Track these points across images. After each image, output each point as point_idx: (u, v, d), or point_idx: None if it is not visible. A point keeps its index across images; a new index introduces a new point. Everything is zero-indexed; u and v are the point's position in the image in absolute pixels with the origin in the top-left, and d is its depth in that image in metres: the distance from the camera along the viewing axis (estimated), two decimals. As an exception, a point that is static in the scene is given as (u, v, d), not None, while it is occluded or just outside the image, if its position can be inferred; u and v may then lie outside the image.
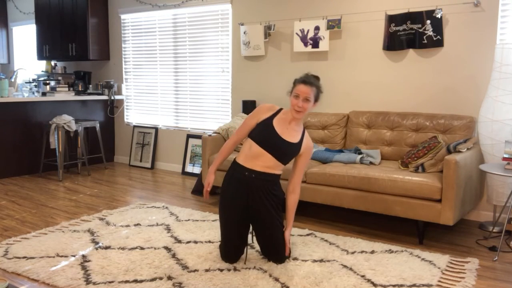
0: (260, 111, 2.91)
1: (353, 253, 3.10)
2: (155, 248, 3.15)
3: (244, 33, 5.14)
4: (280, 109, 2.92)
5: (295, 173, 2.95)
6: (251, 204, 2.83)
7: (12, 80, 6.51)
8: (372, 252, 3.12)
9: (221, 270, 2.78)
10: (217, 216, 3.89)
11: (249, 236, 3.07)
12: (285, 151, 2.83)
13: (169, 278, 2.68)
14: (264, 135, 2.82)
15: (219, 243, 3.03)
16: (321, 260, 2.96)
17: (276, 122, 2.85)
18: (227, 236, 2.90)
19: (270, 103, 2.99)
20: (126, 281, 2.64)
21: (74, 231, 3.51)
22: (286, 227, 2.96)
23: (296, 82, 2.84)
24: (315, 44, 4.65)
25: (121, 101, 6.58)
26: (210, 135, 4.43)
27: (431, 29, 4.04)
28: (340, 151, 4.11)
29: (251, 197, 2.82)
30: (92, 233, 3.47)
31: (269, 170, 2.83)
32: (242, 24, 5.17)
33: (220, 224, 2.94)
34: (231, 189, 2.87)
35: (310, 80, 2.81)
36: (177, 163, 6.03)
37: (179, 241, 3.29)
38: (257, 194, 2.82)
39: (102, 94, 6.39)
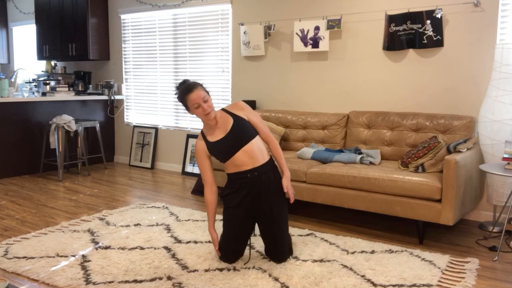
0: (199, 149, 2.91)
1: (353, 253, 3.10)
2: (155, 248, 3.15)
3: (244, 33, 5.14)
4: (201, 131, 2.96)
5: (259, 130, 2.95)
6: (257, 203, 2.85)
7: (12, 80, 6.51)
8: (372, 252, 3.12)
9: (221, 270, 2.78)
10: (217, 216, 3.89)
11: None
12: (242, 132, 2.85)
13: (169, 278, 2.68)
14: (221, 151, 2.86)
15: (218, 243, 3.02)
16: (321, 260, 2.96)
17: (210, 138, 2.88)
18: (229, 239, 2.90)
19: (257, 111, 3.02)
20: (126, 281, 2.64)
21: (74, 231, 3.51)
22: (283, 176, 2.96)
23: (183, 98, 2.80)
24: (315, 44, 4.65)
25: (121, 101, 6.58)
26: (210, 135, 4.43)
27: (431, 29, 4.04)
28: (340, 151, 4.11)
29: (257, 196, 2.84)
30: (92, 233, 3.47)
31: (262, 160, 2.85)
32: (242, 24, 5.17)
33: (224, 226, 2.92)
34: (235, 193, 2.87)
35: (189, 87, 2.79)
36: (177, 163, 6.03)
37: (179, 241, 3.30)
38: (263, 190, 2.84)
39: (102, 94, 6.39)
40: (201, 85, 2.84)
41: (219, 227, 3.11)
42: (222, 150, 2.86)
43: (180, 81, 2.94)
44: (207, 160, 2.92)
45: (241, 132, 2.85)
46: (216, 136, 2.86)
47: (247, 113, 2.93)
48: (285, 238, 2.92)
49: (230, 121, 2.87)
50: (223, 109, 2.95)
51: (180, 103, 2.88)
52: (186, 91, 2.78)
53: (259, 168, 2.83)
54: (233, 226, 2.88)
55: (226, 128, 2.85)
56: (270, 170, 2.89)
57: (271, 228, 2.88)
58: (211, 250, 3.11)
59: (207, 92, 2.83)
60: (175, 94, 2.88)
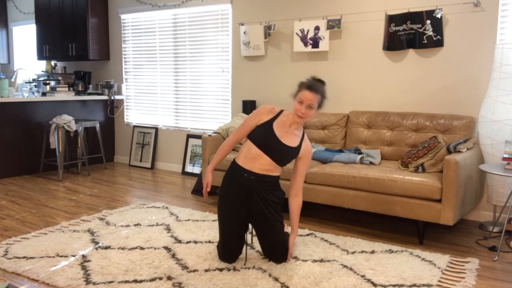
0: (261, 113, 2.88)
1: (353, 253, 3.10)
2: (155, 248, 3.15)
3: (244, 33, 5.14)
4: (281, 111, 2.90)
5: (296, 177, 2.93)
6: (251, 206, 2.83)
7: (12, 80, 6.51)
8: (372, 252, 3.12)
9: (221, 270, 2.78)
10: (217, 216, 3.89)
11: (249, 236, 3.07)
12: (283, 155, 2.82)
13: (169, 278, 2.68)
14: (264, 138, 2.81)
15: (217, 243, 3.02)
16: (321, 260, 2.95)
17: (276, 125, 2.83)
18: (226, 237, 2.90)
19: (271, 105, 2.95)
20: (126, 281, 2.64)
21: (74, 231, 3.51)
22: (291, 233, 2.96)
23: (301, 87, 2.79)
24: (315, 44, 4.65)
25: (121, 101, 6.58)
26: (210, 135, 4.43)
27: (431, 29, 4.04)
28: (340, 151, 4.11)
29: (251, 198, 2.82)
30: (92, 233, 3.46)
31: (268, 172, 2.83)
32: (242, 24, 5.17)
33: (219, 224, 2.94)
34: (231, 190, 2.87)
35: (316, 87, 2.76)
36: (177, 163, 6.03)
37: (179, 241, 3.29)
38: (257, 195, 2.82)
39: (102, 94, 6.39)
40: (323, 95, 2.80)
41: (213, 227, 3.10)
42: (263, 136, 2.80)
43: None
44: (253, 124, 2.85)
45: (286, 155, 2.83)
46: (278, 129, 2.81)
47: (304, 156, 2.89)
48: (282, 242, 2.91)
49: (295, 142, 2.84)
50: (305, 134, 2.93)
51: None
52: (309, 87, 2.75)
53: (259, 175, 2.81)
54: (229, 230, 2.88)
55: (287, 139, 2.81)
56: (269, 184, 2.85)
57: (268, 234, 2.89)
58: (211, 250, 3.11)
59: (320, 106, 2.80)
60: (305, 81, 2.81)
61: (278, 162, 2.82)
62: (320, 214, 4.08)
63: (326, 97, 2.84)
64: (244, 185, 2.82)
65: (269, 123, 2.84)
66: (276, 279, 2.67)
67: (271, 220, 2.84)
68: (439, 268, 2.86)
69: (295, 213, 2.94)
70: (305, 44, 4.71)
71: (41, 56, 6.93)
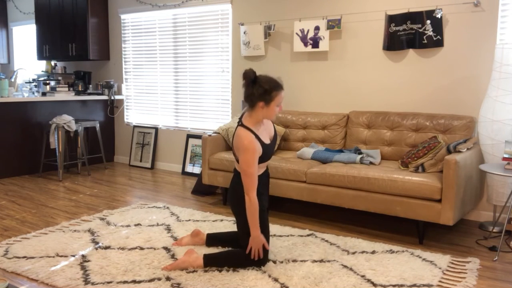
0: (257, 147, 2.72)
1: (354, 253, 3.10)
2: (154, 249, 3.15)
3: (244, 33, 5.14)
4: (249, 128, 2.77)
5: None
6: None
7: (12, 80, 6.51)
8: (373, 252, 3.12)
9: (220, 271, 2.78)
10: (217, 217, 3.90)
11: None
12: (276, 141, 2.99)
13: (168, 278, 2.68)
14: (268, 153, 2.86)
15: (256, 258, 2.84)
16: (321, 261, 2.95)
17: (263, 138, 2.82)
18: (268, 239, 2.89)
19: (247, 133, 2.75)
20: (125, 282, 2.64)
21: (75, 231, 3.51)
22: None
23: (275, 90, 2.73)
24: (315, 44, 4.64)
25: (121, 101, 6.58)
26: (210, 135, 4.42)
27: (431, 29, 4.04)
28: (340, 151, 4.11)
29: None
30: (92, 233, 3.46)
31: None
32: (242, 24, 5.16)
33: (266, 234, 2.84)
34: (263, 194, 2.92)
35: (282, 85, 2.80)
36: (177, 163, 6.02)
37: (179, 241, 3.29)
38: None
39: (102, 94, 6.39)
40: None
41: (213, 228, 3.10)
42: (269, 152, 2.87)
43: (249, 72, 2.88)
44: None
45: (276, 141, 3.00)
46: (265, 138, 2.84)
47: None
48: None
49: (272, 127, 2.98)
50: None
51: (256, 94, 2.78)
52: (281, 87, 2.78)
53: None
54: (268, 225, 2.93)
55: (270, 133, 2.93)
56: None
57: None
58: (211, 250, 3.10)
59: None
60: (252, 81, 2.80)
61: None
62: (320, 214, 4.07)
63: None
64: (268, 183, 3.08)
65: (262, 143, 2.79)
66: (276, 280, 2.67)
67: None
68: (440, 268, 2.86)
69: None
70: (305, 44, 4.71)
71: (41, 56, 6.93)
